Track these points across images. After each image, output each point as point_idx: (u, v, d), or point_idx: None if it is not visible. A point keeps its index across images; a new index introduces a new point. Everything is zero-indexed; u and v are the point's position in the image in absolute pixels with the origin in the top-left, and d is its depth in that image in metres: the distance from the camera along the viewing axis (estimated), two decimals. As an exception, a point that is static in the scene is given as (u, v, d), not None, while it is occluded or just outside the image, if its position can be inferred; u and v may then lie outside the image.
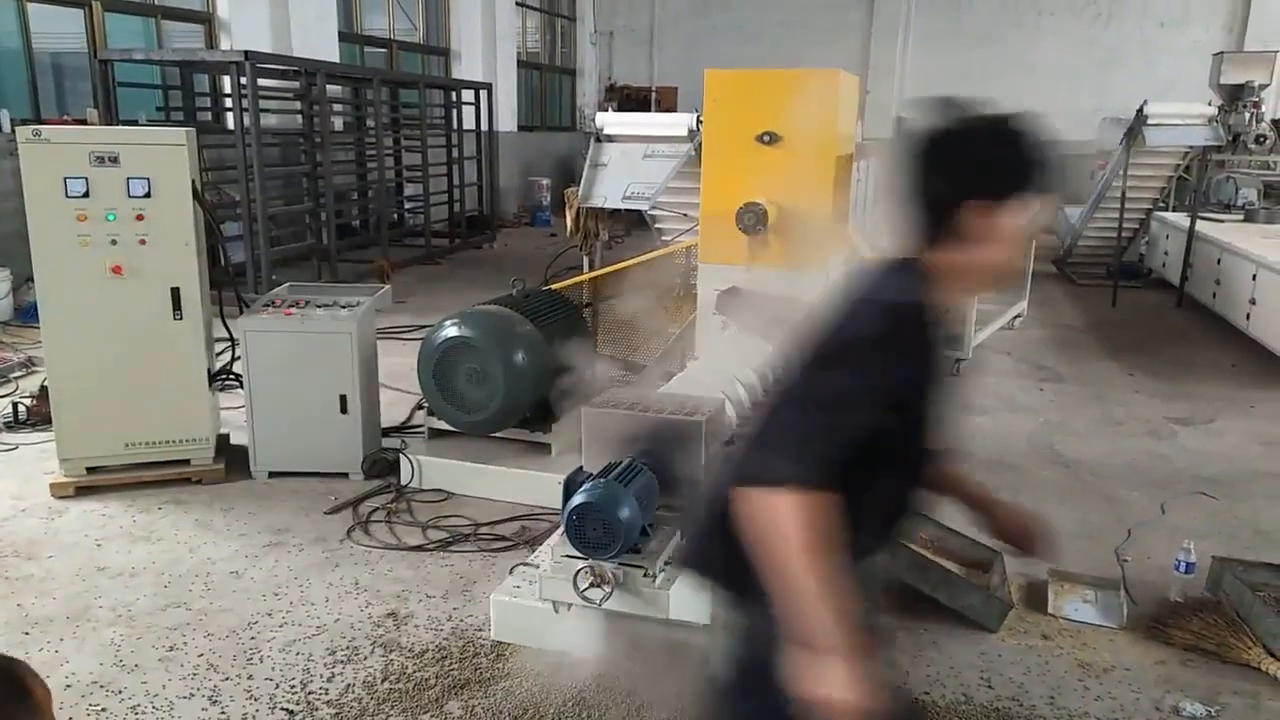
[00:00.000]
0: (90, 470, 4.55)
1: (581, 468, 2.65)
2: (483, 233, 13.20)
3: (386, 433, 5.22)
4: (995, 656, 3.32)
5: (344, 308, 4.73)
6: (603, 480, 2.45)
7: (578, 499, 2.41)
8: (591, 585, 2.44)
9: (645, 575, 2.45)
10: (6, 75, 9.13)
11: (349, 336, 4.59)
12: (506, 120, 15.75)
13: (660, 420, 2.70)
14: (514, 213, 15.97)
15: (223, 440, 5.00)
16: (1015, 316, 8.63)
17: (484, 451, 4.65)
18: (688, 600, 2.54)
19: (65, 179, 4.21)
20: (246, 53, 8.07)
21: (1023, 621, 3.54)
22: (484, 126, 13.03)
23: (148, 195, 4.32)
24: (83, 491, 4.50)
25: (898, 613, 3.50)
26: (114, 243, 4.32)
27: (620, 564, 2.45)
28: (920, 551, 3.60)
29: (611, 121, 6.06)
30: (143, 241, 4.36)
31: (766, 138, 3.96)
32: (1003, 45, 17.41)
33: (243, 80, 8.17)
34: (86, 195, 4.24)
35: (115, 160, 4.26)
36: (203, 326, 4.55)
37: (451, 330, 4.44)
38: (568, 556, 2.48)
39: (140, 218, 4.33)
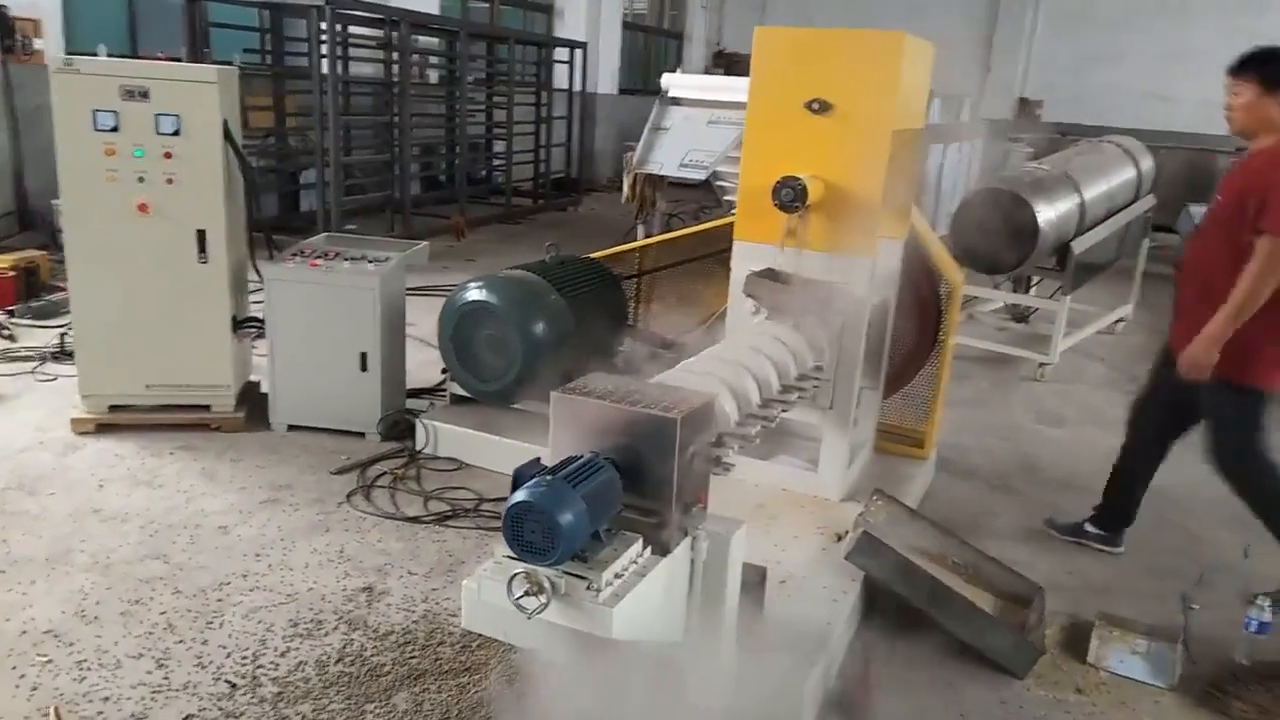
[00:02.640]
0: (114, 408, 4.52)
1: (539, 459, 2.37)
2: (568, 195, 12.99)
3: (415, 394, 5.06)
4: (1016, 708, 2.93)
5: (371, 262, 4.55)
6: (548, 478, 2.17)
7: (518, 496, 2.13)
8: (526, 593, 2.17)
9: (589, 588, 2.16)
10: (110, 13, 9.31)
11: (371, 292, 4.41)
12: (606, 82, 15.45)
13: (633, 413, 2.39)
14: (607, 177, 15.70)
15: (252, 388, 4.93)
16: (1118, 320, 7.96)
17: (501, 422, 4.43)
18: (635, 619, 2.25)
19: (94, 111, 4.13)
20: (328, -3, 7.98)
21: (1057, 670, 3.13)
22: (577, 86, 12.76)
23: (176, 133, 4.21)
24: (103, 429, 4.47)
25: (911, 645, 3.15)
26: (141, 180, 4.23)
27: (564, 572, 2.18)
28: (944, 579, 3.21)
29: (678, 83, 5.70)
30: (170, 180, 4.25)
31: (816, 105, 3.56)
32: (1142, 30, 16.18)
33: (322, 25, 8.08)
34: (115, 130, 4.16)
35: (145, 95, 4.15)
36: (227, 271, 4.43)
37: (472, 293, 4.22)
38: (508, 558, 2.22)
39: (168, 155, 4.23)
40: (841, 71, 3.50)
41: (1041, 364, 6.47)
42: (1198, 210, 10.27)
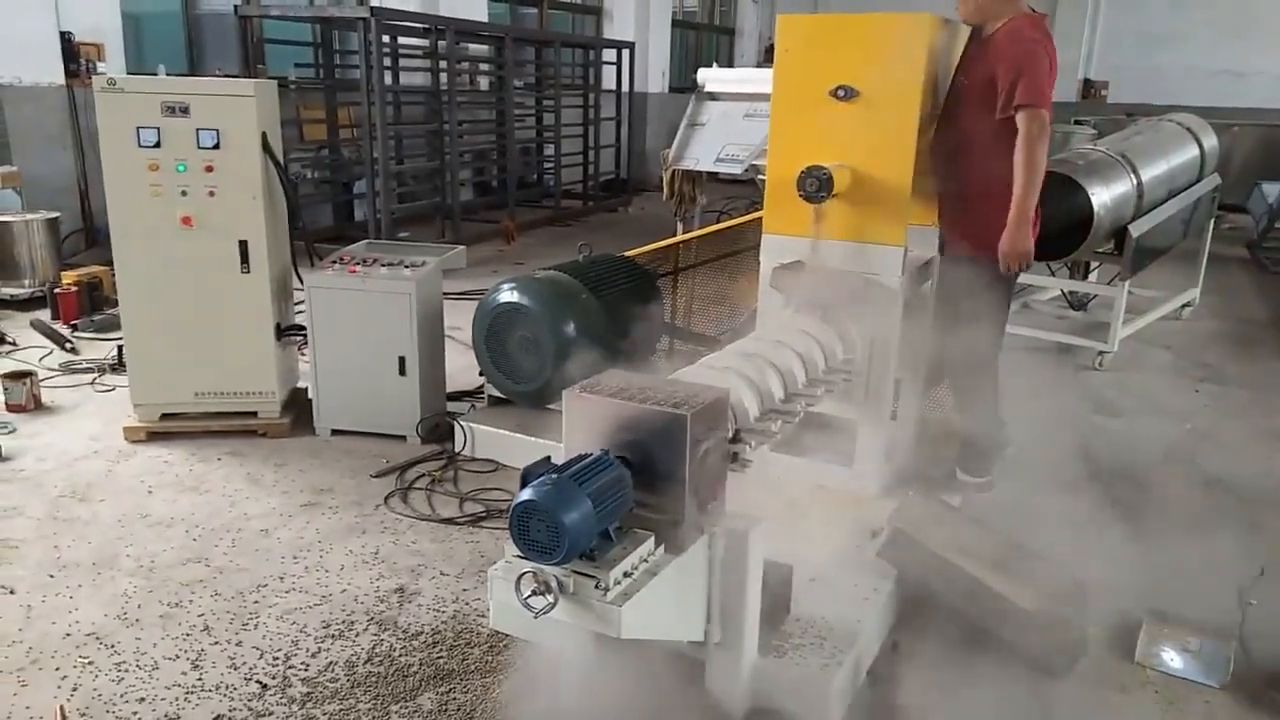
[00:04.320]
0: (165, 417, 4.65)
1: (549, 458, 2.36)
2: (618, 196, 13.00)
3: (457, 397, 5.11)
4: (1056, 708, 2.83)
5: (408, 268, 4.60)
6: (554, 476, 2.16)
7: (523, 495, 2.13)
8: (534, 593, 2.16)
9: (597, 587, 2.14)
10: (170, 34, 9.61)
11: (408, 297, 4.46)
12: (656, 81, 15.44)
13: (643, 411, 2.37)
14: (658, 177, 15.67)
15: (299, 394, 5.02)
16: (1184, 305, 7.66)
17: (538, 423, 4.43)
18: (645, 618, 2.22)
19: (138, 128, 4.25)
20: (372, 9, 8.11)
21: (1100, 668, 3.02)
22: (625, 87, 12.76)
23: (216, 146, 4.31)
24: (154, 437, 4.60)
25: (947, 644, 3.06)
26: (184, 194, 4.34)
27: (571, 571, 2.16)
28: (981, 576, 3.11)
29: (714, 78, 5.65)
30: (212, 193, 4.36)
31: (842, 93, 3.49)
32: (1209, 6, 15.56)
33: (369, 37, 8.23)
34: (158, 145, 4.28)
35: (185, 111, 4.27)
36: (269, 280, 4.52)
37: (505, 295, 4.24)
38: (516, 557, 2.22)
39: (209, 169, 4.33)
40: (866, 57, 3.43)
41: (1100, 352, 6.25)
42: (1271, 188, 9.87)
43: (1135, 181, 6.11)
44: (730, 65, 18.84)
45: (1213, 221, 7.77)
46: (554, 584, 2.14)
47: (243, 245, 4.45)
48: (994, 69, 3.51)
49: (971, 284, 3.81)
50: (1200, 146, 7.10)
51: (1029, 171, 3.49)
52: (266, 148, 4.42)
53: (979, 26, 3.67)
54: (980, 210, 3.68)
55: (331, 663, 2.94)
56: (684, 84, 17.47)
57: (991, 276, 3.72)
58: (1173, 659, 3.03)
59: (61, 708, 2.57)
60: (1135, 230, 6.07)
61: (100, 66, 8.19)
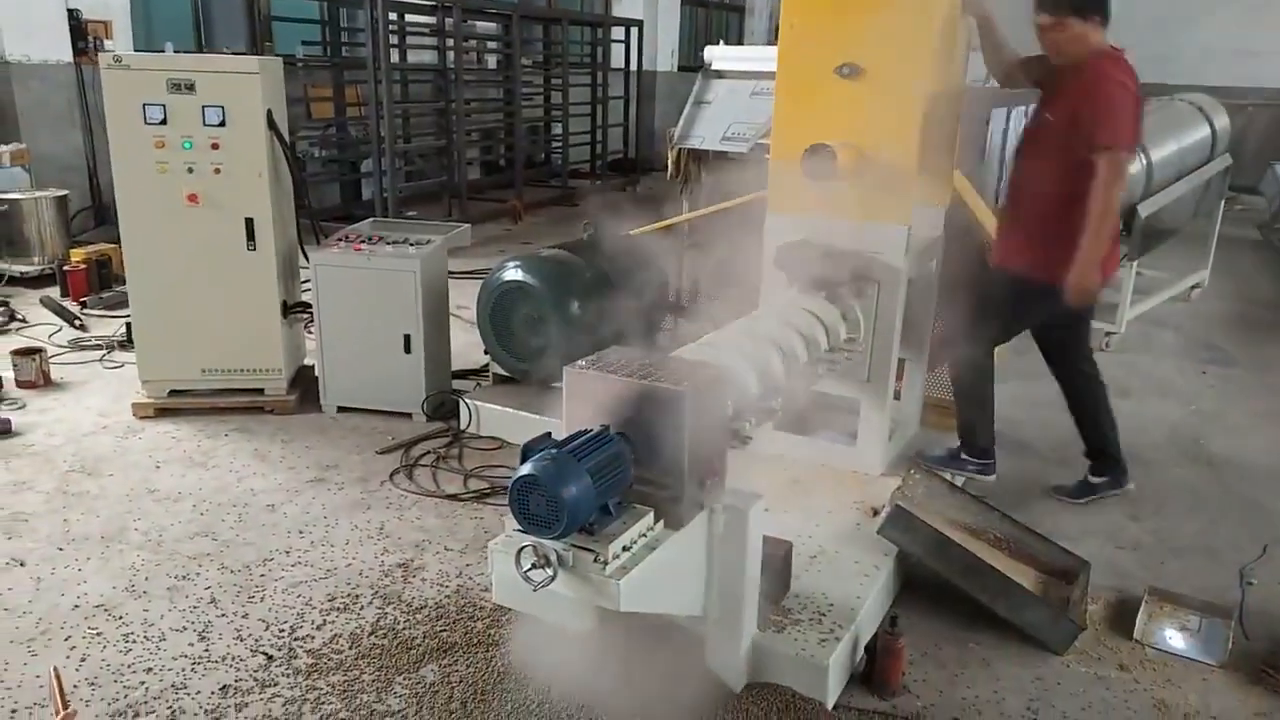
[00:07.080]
0: (173, 393, 4.69)
1: (549, 434, 2.37)
2: (626, 175, 12.97)
3: (462, 375, 5.12)
4: (1054, 684, 2.84)
5: (413, 246, 4.61)
6: (554, 452, 2.17)
7: (523, 470, 2.14)
8: (534, 566, 2.18)
9: (596, 560, 2.17)
10: (178, 12, 9.58)
11: (413, 275, 4.47)
12: (665, 60, 15.36)
13: (643, 387, 2.38)
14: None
15: (306, 371, 5.06)
16: (1193, 286, 7.62)
17: (542, 401, 4.44)
18: (644, 592, 2.24)
19: (144, 105, 4.26)
20: (379, -14, 8.09)
21: (1101, 645, 3.03)
22: (633, 65, 12.70)
23: (222, 124, 4.32)
24: (162, 413, 4.64)
25: (947, 622, 3.09)
26: (190, 170, 4.35)
27: (571, 545, 2.18)
28: (981, 554, 3.13)
29: (721, 55, 5.62)
30: (218, 170, 4.37)
31: (846, 70, 3.48)
32: (1230, -16, 15.32)
33: (376, 15, 8.20)
34: (164, 122, 4.29)
35: (191, 88, 4.27)
36: (275, 258, 4.54)
37: (509, 274, 4.25)
38: (518, 530, 2.24)
39: (216, 146, 4.34)
40: (870, 35, 3.41)
41: (1107, 333, 6.23)
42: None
43: (1144, 161, 6.06)
44: (740, 43, 18.70)
45: (1223, 202, 7.71)
46: (553, 557, 2.16)
47: (249, 222, 4.46)
48: (1077, 108, 3.43)
49: (1015, 301, 3.73)
50: (1212, 126, 7.04)
51: (1103, 214, 3.38)
52: (272, 125, 4.43)
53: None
54: (1051, 240, 3.53)
55: (336, 635, 2.98)
56: (693, 63, 17.34)
57: (1033, 300, 3.67)
58: (1172, 637, 3.04)
59: (56, 669, 2.55)
60: (1144, 210, 6.03)
61: (107, 44, 8.19)
